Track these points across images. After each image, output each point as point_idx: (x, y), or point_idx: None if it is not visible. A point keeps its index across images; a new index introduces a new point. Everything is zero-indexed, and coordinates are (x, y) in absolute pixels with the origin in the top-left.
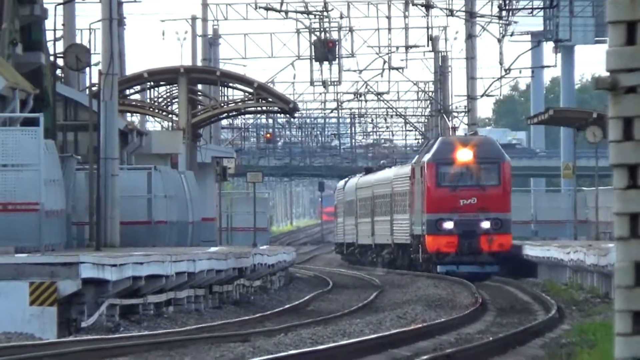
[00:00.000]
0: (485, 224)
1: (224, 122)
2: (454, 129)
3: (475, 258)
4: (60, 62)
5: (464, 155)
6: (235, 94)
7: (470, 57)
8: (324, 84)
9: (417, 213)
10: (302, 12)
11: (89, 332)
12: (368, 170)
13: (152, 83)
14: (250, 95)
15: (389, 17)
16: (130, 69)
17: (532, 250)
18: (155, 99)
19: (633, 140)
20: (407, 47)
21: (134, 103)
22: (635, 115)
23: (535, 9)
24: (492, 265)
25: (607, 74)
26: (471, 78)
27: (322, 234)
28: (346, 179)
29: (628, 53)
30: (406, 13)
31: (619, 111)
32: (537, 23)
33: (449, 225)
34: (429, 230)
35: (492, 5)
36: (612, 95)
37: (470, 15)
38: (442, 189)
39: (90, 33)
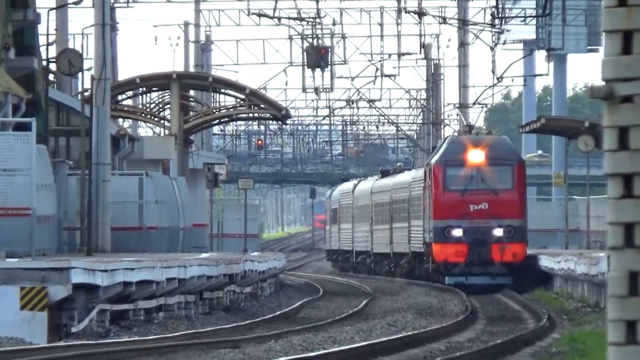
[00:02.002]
0: (498, 232)
1: (216, 129)
2: (469, 127)
3: (486, 269)
4: (52, 67)
5: (475, 156)
6: (227, 100)
7: (463, 65)
8: (316, 90)
9: (427, 219)
10: (294, 19)
11: (79, 337)
12: (385, 173)
13: (144, 89)
14: (242, 102)
15: (381, 25)
16: (123, 74)
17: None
18: (148, 105)
19: (628, 149)
20: (399, 55)
21: (126, 108)
22: (631, 125)
23: (528, 17)
24: (505, 276)
25: (601, 83)
26: (463, 86)
27: (313, 240)
28: (355, 181)
29: (624, 62)
30: (399, 20)
31: (615, 121)
32: (529, 31)
33: (457, 232)
34: (437, 238)
35: (484, 13)
36: (607, 105)
37: (463, 23)
38: (451, 193)
39: (82, 38)
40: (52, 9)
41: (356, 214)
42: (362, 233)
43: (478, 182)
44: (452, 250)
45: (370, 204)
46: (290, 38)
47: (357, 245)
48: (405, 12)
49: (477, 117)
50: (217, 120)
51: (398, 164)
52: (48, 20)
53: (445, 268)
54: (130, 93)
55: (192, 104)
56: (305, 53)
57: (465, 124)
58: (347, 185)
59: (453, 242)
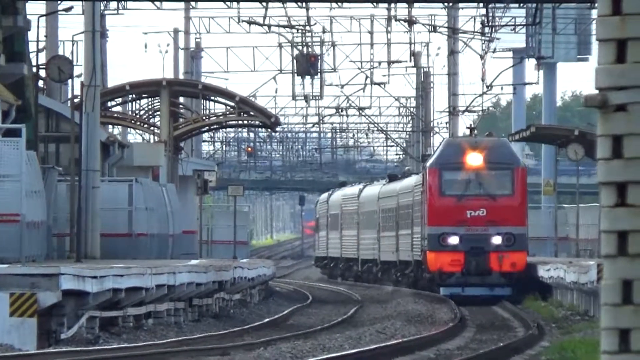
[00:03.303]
0: (496, 240)
1: (205, 136)
2: (470, 129)
3: (484, 279)
4: (42, 73)
5: (473, 159)
6: (216, 107)
7: (453, 73)
8: (306, 98)
9: (423, 226)
10: (284, 27)
11: (68, 343)
12: (392, 178)
13: (134, 95)
14: (231, 109)
15: (371, 32)
16: (113, 81)
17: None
18: (137, 112)
19: (622, 158)
20: (389, 63)
21: (115, 115)
22: (625, 133)
23: (518, 25)
24: (503, 287)
25: (594, 91)
26: (453, 94)
27: (302, 248)
28: (360, 186)
29: (618, 71)
30: (388, 28)
31: (608, 129)
32: (519, 40)
33: (453, 240)
34: (431, 246)
35: (474, 21)
36: (601, 113)
37: (453, 32)
38: (447, 199)
39: (73, 45)
40: (42, 15)
41: (362, 220)
42: (368, 240)
43: (476, 186)
44: (447, 259)
45: (378, 209)
46: (280, 46)
47: (362, 253)
48: (395, 20)
49: (470, 124)
50: (207, 127)
51: (406, 167)
52: (38, 27)
53: (440, 278)
54: (120, 100)
55: (181, 110)
56: (295, 61)
57: (466, 127)
58: (350, 190)
59: (449, 251)
